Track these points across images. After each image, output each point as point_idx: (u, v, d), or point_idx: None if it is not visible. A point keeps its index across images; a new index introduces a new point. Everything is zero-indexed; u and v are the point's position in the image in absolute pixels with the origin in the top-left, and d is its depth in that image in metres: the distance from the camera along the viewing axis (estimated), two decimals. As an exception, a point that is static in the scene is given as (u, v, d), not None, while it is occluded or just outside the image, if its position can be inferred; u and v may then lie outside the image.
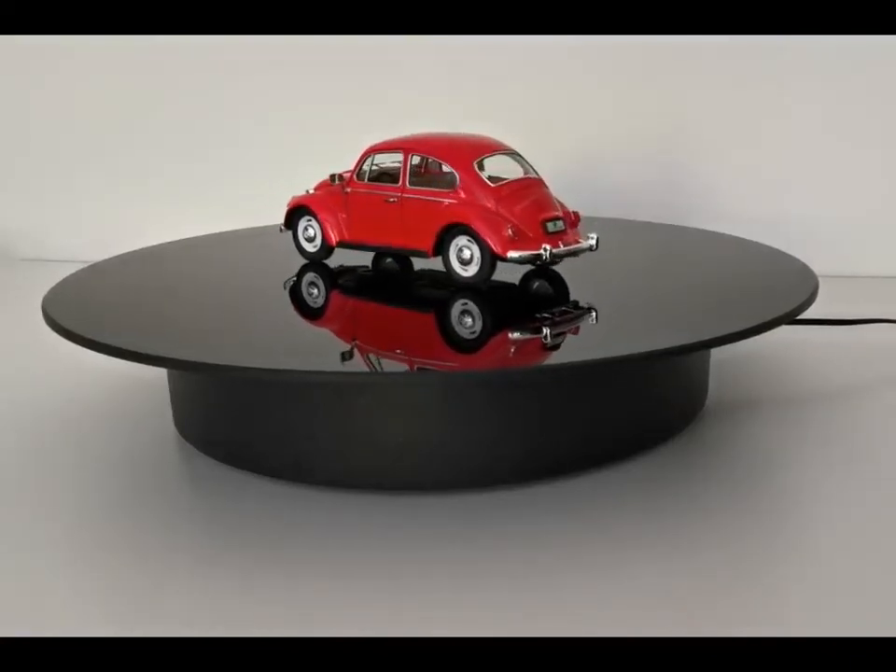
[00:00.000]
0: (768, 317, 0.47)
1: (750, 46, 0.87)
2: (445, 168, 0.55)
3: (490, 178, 0.55)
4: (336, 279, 0.59)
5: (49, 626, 0.38)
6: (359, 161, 0.59)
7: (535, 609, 0.38)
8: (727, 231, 0.70)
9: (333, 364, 0.44)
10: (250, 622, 0.38)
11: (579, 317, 0.50)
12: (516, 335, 0.49)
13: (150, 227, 0.85)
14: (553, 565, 0.42)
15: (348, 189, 0.59)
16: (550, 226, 0.53)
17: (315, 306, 0.56)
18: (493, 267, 0.53)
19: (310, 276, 0.60)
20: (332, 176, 0.61)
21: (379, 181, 0.58)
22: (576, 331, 0.49)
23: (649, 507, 0.46)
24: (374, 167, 0.59)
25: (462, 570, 0.41)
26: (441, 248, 0.54)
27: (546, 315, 0.50)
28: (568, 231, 0.55)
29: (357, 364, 0.46)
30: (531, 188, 0.55)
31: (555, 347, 0.47)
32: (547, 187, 0.56)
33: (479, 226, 0.53)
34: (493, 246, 0.52)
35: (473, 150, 0.56)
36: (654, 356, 0.45)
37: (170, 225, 0.83)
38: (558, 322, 0.49)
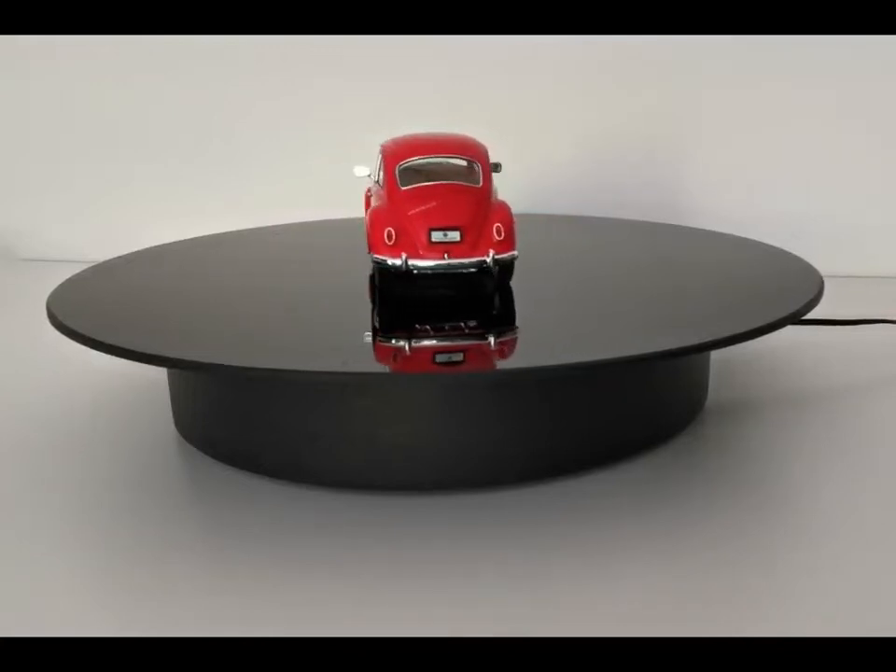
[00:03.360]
0: (773, 318, 0.47)
1: (748, 44, 0.87)
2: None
3: (415, 179, 0.54)
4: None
5: (49, 626, 0.38)
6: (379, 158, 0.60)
7: (535, 609, 0.38)
8: (727, 232, 0.70)
9: (334, 364, 0.44)
10: (250, 621, 0.38)
11: (454, 336, 0.49)
12: (367, 337, 0.49)
13: (152, 226, 0.85)
14: (554, 564, 0.42)
15: None
16: (436, 235, 0.51)
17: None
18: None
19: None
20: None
21: None
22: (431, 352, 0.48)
23: (649, 507, 0.46)
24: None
25: (461, 570, 0.41)
26: None
27: (427, 327, 0.49)
28: (468, 242, 0.51)
29: (358, 364, 0.46)
30: (442, 194, 0.53)
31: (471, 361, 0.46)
32: (478, 194, 0.53)
33: (368, 226, 0.53)
34: (370, 247, 0.52)
35: (408, 152, 0.55)
36: (660, 357, 0.45)
37: (172, 224, 0.83)
38: (430, 335, 0.49)
